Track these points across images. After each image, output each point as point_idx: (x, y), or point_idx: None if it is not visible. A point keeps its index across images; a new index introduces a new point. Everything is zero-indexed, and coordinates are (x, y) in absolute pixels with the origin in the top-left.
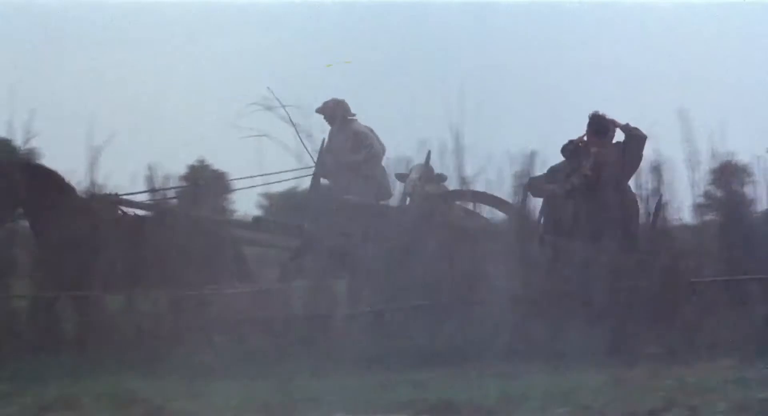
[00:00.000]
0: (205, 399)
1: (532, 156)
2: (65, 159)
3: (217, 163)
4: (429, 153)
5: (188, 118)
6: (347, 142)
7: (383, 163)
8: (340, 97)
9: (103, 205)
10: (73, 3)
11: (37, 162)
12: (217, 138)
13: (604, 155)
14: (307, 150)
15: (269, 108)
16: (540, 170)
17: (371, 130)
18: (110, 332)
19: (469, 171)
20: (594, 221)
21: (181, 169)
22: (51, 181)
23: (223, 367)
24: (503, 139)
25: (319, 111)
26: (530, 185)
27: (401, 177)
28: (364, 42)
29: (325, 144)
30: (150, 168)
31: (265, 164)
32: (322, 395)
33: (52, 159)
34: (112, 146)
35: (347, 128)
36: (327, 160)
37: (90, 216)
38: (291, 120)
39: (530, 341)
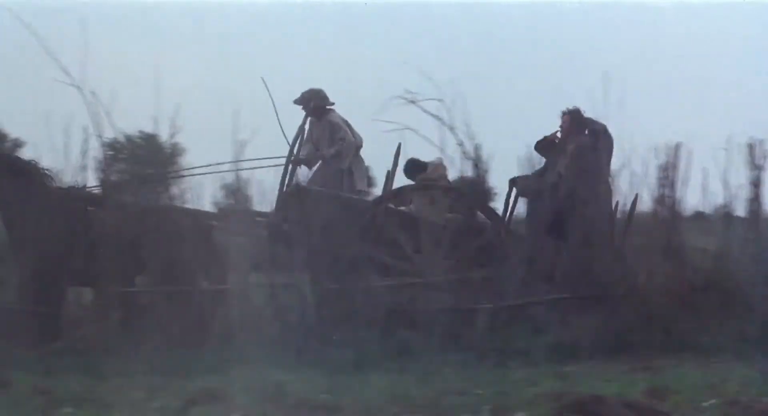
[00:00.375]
0: (350, 392)
1: (676, 148)
2: (210, 153)
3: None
4: (399, 145)
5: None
6: (324, 133)
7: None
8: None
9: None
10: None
11: (11, 154)
12: (361, 131)
13: (580, 150)
14: (286, 139)
15: (412, 101)
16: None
17: (347, 122)
18: (254, 325)
19: (613, 164)
20: (565, 218)
21: None
22: (25, 173)
23: (368, 360)
24: (648, 132)
25: (296, 101)
26: (515, 182)
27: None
28: (509, 38)
29: (305, 134)
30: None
31: (407, 156)
32: (468, 388)
33: (197, 153)
34: (255, 140)
35: (324, 119)
36: (304, 150)
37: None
38: (276, 111)
39: (676, 334)
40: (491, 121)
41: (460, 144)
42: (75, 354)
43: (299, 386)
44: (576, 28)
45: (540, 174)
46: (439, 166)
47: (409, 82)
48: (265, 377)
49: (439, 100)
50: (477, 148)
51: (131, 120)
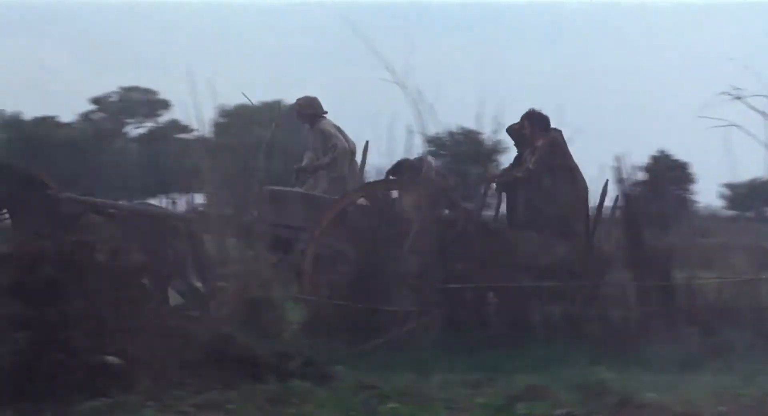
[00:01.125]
0: (674, 390)
1: None
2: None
3: (679, 153)
4: (367, 143)
5: (653, 109)
6: (317, 142)
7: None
8: None
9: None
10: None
11: (14, 162)
12: (682, 129)
13: (550, 147)
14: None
15: (738, 98)
16: None
17: (339, 129)
18: (577, 323)
19: None
20: (537, 212)
21: (644, 160)
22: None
23: (692, 359)
24: None
25: (292, 108)
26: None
27: None
28: None
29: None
30: (617, 158)
31: (732, 155)
32: None
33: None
34: (580, 137)
35: (316, 127)
36: (306, 159)
37: None
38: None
39: None
40: None
41: None
42: (398, 350)
43: (622, 384)
44: None
45: (511, 167)
46: (431, 166)
47: (736, 78)
48: (588, 374)
49: (766, 96)
50: None
51: (454, 117)
